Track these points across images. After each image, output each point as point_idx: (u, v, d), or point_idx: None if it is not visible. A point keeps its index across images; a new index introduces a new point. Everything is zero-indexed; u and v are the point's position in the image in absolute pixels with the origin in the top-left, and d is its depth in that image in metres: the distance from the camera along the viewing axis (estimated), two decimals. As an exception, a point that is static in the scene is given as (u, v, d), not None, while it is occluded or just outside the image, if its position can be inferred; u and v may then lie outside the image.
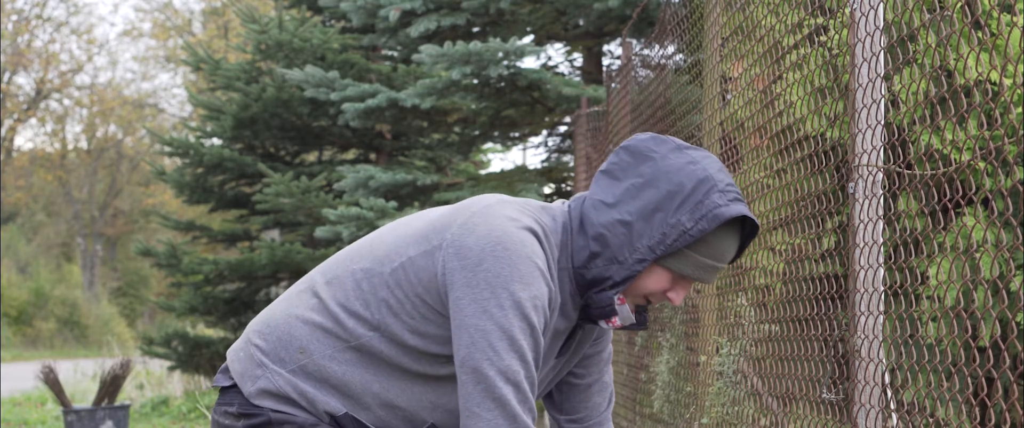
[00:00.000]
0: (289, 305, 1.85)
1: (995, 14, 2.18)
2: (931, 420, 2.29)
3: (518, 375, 1.69)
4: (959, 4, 2.14)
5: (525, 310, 1.68)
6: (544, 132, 11.41)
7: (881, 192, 2.45)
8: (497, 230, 1.70)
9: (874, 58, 2.45)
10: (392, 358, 1.79)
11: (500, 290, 1.67)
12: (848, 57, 2.57)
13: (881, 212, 2.45)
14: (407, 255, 1.77)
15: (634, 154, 1.79)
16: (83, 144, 29.30)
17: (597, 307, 1.78)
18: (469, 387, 1.70)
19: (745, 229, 1.79)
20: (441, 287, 1.73)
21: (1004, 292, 1.94)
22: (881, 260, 2.44)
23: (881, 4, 2.45)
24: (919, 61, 2.32)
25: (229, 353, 1.91)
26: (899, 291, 2.39)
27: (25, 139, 31.93)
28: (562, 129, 11.19)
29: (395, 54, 10.72)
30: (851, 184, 2.51)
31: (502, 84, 8.95)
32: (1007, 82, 1.99)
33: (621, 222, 1.74)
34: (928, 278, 2.31)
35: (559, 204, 1.86)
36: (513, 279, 1.68)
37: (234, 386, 1.87)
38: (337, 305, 1.80)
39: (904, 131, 2.43)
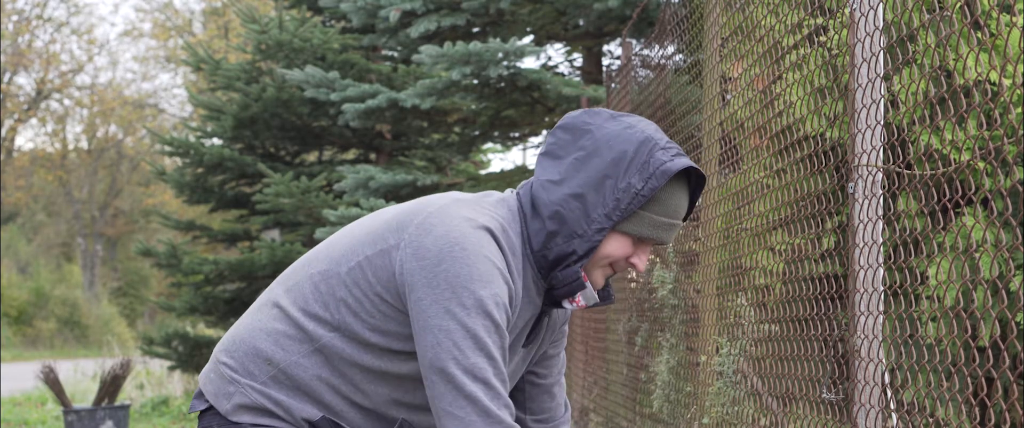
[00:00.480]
0: (252, 320, 1.86)
1: (995, 14, 2.18)
2: (931, 420, 2.29)
3: (486, 373, 1.69)
4: (958, 4, 2.14)
5: (487, 308, 1.68)
6: (544, 132, 11.39)
7: (881, 192, 2.45)
8: (454, 231, 1.71)
9: (874, 58, 2.45)
10: (354, 357, 1.79)
11: (461, 289, 1.68)
12: (847, 57, 2.57)
13: (881, 212, 2.45)
14: (363, 254, 1.77)
15: (571, 131, 1.81)
16: (83, 144, 29.30)
17: (562, 284, 1.78)
18: (439, 388, 1.70)
19: (692, 183, 1.82)
20: (400, 286, 1.73)
21: (1004, 292, 1.94)
22: (881, 260, 2.44)
23: (881, 4, 2.45)
24: (918, 61, 2.32)
25: (200, 378, 1.91)
26: (899, 291, 2.39)
27: (26, 139, 31.93)
28: (562, 129, 11.17)
29: (395, 54, 10.72)
30: (851, 184, 2.51)
31: (502, 84, 8.96)
32: (1007, 82, 1.99)
33: (573, 196, 1.75)
34: (928, 278, 2.31)
35: (509, 192, 1.87)
36: (473, 278, 1.68)
37: (211, 408, 1.86)
38: (297, 310, 1.81)
39: (904, 131, 2.43)
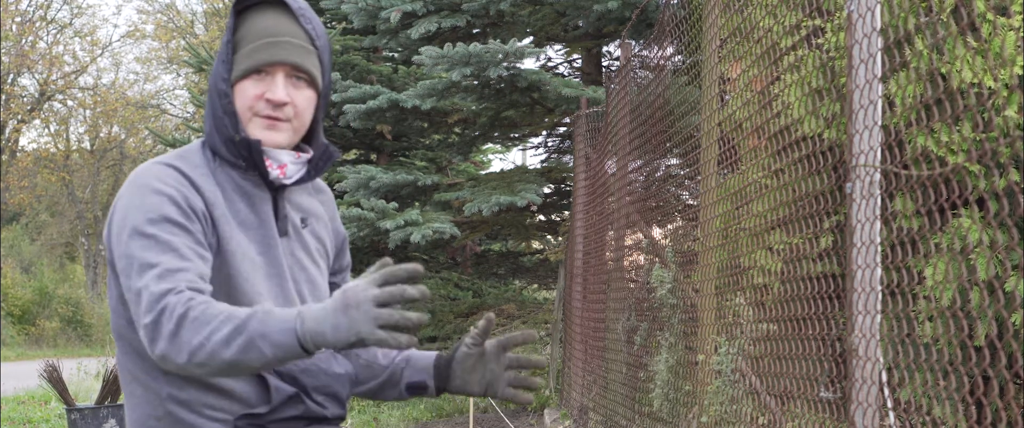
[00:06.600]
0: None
1: (990, 17, 2.19)
2: (928, 418, 2.31)
3: (146, 282, 1.70)
4: (953, 5, 2.15)
5: (141, 230, 1.74)
6: (544, 133, 11.41)
7: (879, 192, 2.46)
8: (121, 193, 1.81)
9: (871, 59, 2.46)
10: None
11: (120, 234, 1.76)
12: (845, 59, 2.58)
13: (878, 212, 2.46)
14: (110, 282, 1.84)
15: None
16: (86, 145, 29.33)
17: (248, 157, 1.85)
18: (133, 307, 1.72)
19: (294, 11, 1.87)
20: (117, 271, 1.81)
21: (1000, 292, 1.95)
22: (878, 260, 2.45)
23: (878, 5, 2.46)
24: (914, 63, 2.33)
25: None
26: (896, 290, 2.41)
27: (29, 140, 31.94)
28: (562, 130, 11.19)
29: (396, 55, 10.73)
30: (849, 184, 2.52)
31: (502, 85, 8.96)
32: (1001, 85, 2.01)
33: (211, 87, 1.88)
34: (925, 278, 2.32)
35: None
36: (126, 217, 1.76)
37: None
38: (121, 371, 1.88)
39: (900, 132, 2.44)
